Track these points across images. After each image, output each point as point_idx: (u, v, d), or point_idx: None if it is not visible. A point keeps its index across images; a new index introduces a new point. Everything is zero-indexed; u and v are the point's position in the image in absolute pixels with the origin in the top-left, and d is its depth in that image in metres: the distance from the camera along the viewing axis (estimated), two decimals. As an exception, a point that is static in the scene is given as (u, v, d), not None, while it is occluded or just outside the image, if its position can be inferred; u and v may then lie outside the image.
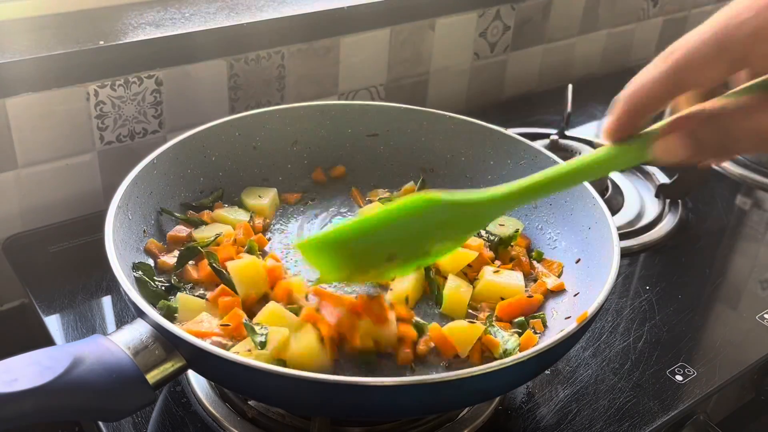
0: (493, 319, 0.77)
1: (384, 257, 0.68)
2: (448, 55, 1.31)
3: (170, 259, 0.80)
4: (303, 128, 0.97)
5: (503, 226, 0.89)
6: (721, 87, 0.52)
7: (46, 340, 0.83)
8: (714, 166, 0.45)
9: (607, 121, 0.54)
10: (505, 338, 0.73)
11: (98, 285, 0.90)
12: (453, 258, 0.80)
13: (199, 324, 0.70)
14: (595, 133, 1.36)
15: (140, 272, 0.76)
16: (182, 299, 0.74)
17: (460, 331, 0.72)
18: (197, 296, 0.76)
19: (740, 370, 0.84)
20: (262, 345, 0.66)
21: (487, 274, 0.80)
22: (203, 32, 1.02)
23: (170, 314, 0.74)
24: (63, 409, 0.57)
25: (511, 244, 0.86)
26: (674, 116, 0.52)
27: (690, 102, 0.52)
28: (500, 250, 0.86)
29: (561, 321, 0.76)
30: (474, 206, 0.65)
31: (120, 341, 0.62)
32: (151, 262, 0.80)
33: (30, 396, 0.55)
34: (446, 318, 0.77)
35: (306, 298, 0.76)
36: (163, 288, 0.77)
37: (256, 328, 0.68)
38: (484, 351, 0.73)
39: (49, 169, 0.98)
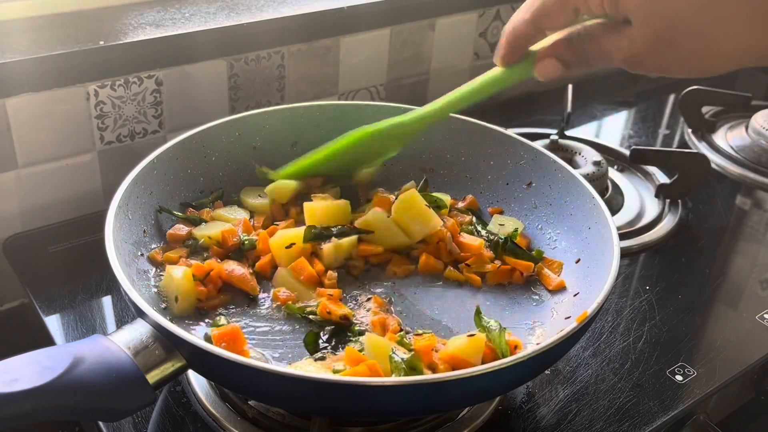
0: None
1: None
2: (448, 55, 1.31)
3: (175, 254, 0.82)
4: (303, 128, 0.97)
5: (503, 225, 0.89)
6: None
7: (46, 340, 0.83)
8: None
9: (496, 51, 0.71)
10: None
11: (98, 285, 0.90)
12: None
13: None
14: (595, 134, 1.36)
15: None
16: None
17: (466, 347, 0.70)
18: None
19: (740, 370, 0.84)
20: None
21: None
22: (203, 32, 1.02)
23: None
24: (63, 409, 0.57)
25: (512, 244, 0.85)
26: (544, 43, 0.68)
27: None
28: (500, 250, 0.85)
29: (561, 321, 0.76)
30: (395, 128, 0.84)
31: (120, 341, 0.62)
32: (153, 268, 0.80)
33: (30, 396, 0.55)
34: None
35: None
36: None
37: None
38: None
39: (49, 169, 0.98)
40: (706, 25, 0.57)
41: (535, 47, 0.69)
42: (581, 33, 0.65)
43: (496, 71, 0.74)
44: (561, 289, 0.81)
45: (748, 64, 0.59)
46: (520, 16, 0.67)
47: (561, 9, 0.64)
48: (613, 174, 1.19)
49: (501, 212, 0.93)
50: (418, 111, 0.83)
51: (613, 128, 1.40)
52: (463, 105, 0.78)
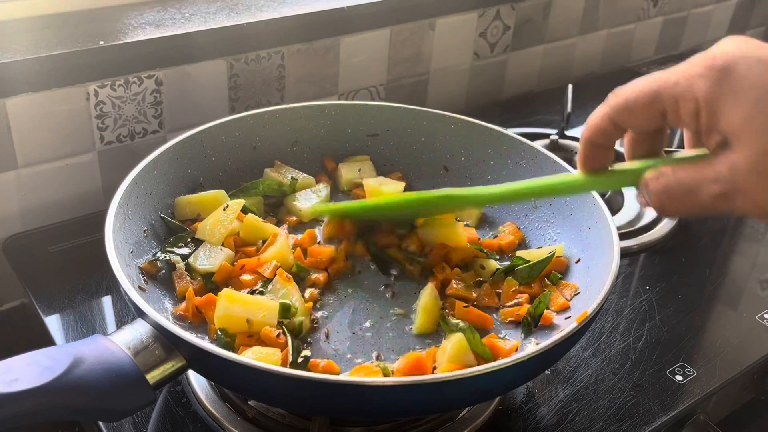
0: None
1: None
2: (448, 55, 1.31)
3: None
4: (303, 128, 0.97)
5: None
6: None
7: (46, 340, 0.83)
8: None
9: (578, 155, 0.63)
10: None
11: (98, 285, 0.90)
12: None
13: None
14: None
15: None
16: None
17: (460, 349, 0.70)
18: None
19: (740, 370, 0.84)
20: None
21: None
22: (203, 32, 1.02)
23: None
24: (63, 409, 0.57)
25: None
26: (647, 178, 0.56)
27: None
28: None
29: (561, 321, 0.76)
30: (470, 199, 0.80)
31: (120, 341, 0.62)
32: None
33: (30, 396, 0.55)
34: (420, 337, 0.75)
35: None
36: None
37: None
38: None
39: (49, 169, 0.98)
40: None
41: (623, 166, 0.61)
42: (668, 168, 0.55)
43: (577, 174, 0.66)
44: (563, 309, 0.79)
45: None
46: (599, 110, 0.59)
47: (645, 108, 0.54)
48: (613, 174, 1.19)
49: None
50: (487, 189, 0.77)
51: (613, 128, 1.39)
52: (530, 198, 0.81)
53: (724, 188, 0.50)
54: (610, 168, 0.62)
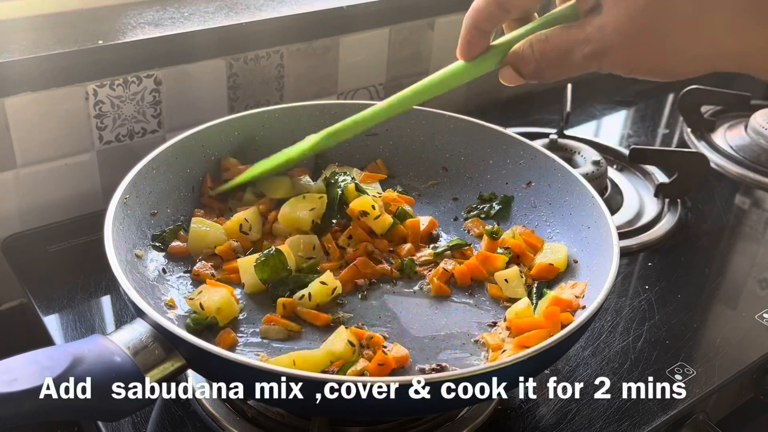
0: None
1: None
2: (448, 54, 1.30)
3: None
4: (302, 128, 0.97)
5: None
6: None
7: (46, 340, 0.83)
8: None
9: (459, 43, 0.67)
10: None
11: (97, 285, 0.90)
12: None
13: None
14: (594, 133, 1.36)
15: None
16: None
17: None
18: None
19: (739, 370, 0.84)
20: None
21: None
22: (202, 32, 1.02)
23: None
24: (62, 409, 0.57)
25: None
26: (512, 51, 0.62)
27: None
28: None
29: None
30: (356, 125, 0.82)
31: (119, 341, 0.62)
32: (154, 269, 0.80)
33: (30, 396, 0.55)
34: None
35: None
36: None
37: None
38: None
39: (48, 169, 0.98)
40: (690, 11, 0.51)
41: (500, 41, 0.64)
42: (542, 34, 0.59)
43: (459, 64, 0.71)
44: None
45: (721, 67, 0.53)
46: None
47: None
48: (613, 173, 1.19)
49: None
50: (378, 106, 0.81)
51: (612, 127, 1.39)
52: (423, 99, 0.78)
53: (594, 48, 0.55)
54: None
